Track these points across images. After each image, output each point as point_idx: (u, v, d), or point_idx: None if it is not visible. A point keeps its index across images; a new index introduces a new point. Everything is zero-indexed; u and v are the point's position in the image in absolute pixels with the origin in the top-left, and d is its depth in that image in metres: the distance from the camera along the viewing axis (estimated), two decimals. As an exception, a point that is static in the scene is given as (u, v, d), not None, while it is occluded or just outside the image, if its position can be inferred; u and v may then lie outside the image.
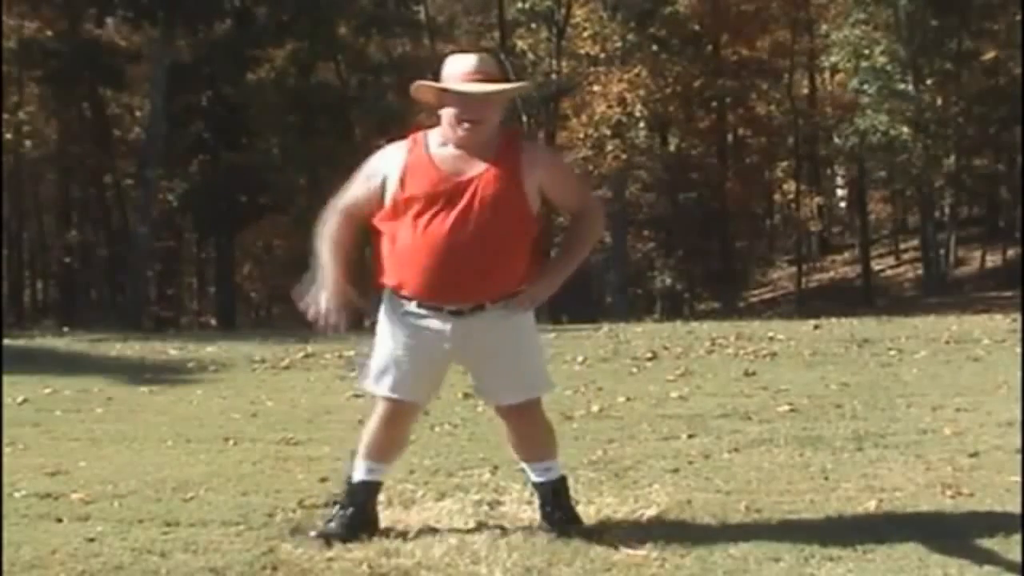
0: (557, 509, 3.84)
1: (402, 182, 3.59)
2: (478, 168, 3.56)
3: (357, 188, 3.72)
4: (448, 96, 3.57)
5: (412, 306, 3.64)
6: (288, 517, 4.01)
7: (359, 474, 3.84)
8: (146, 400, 8.11)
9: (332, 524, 3.78)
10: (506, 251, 3.59)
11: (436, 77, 3.66)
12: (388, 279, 3.67)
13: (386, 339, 3.72)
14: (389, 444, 3.84)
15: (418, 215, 3.55)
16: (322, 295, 3.66)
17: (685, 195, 34.17)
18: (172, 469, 4.99)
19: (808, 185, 37.86)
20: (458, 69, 3.58)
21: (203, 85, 32.97)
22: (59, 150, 34.06)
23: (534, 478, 3.91)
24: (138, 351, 12.69)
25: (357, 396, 7.90)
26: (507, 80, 3.69)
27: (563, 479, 3.92)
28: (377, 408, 3.80)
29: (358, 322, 3.90)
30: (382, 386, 3.74)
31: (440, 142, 3.63)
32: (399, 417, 3.79)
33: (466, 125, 3.55)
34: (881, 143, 29.70)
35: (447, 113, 3.59)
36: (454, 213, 3.52)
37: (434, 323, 3.63)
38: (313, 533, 3.75)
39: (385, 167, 3.66)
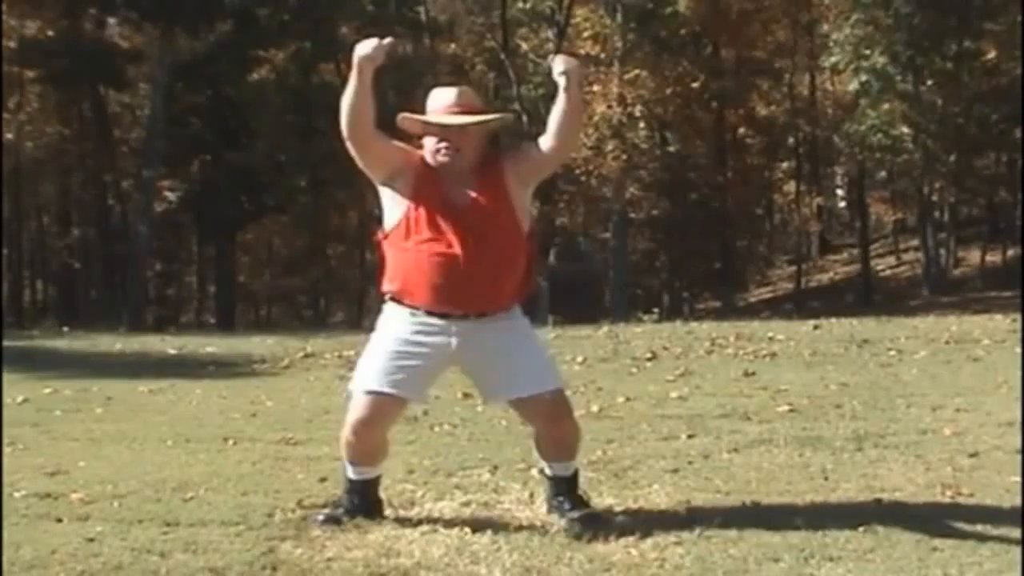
0: (567, 500, 3.92)
1: (413, 195, 3.78)
2: (472, 194, 3.78)
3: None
4: (430, 127, 3.81)
5: (417, 312, 3.80)
6: (288, 517, 4.01)
7: (352, 475, 3.97)
8: (146, 400, 8.11)
9: (338, 510, 3.92)
10: (505, 266, 3.81)
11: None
12: (393, 288, 3.84)
13: (383, 340, 3.86)
14: (372, 448, 3.93)
15: (425, 237, 3.75)
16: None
17: (685, 195, 34.16)
18: (172, 469, 4.99)
19: (808, 185, 37.86)
20: (440, 102, 3.83)
21: (204, 85, 32.97)
22: (59, 150, 34.05)
23: (551, 473, 4.00)
24: (138, 351, 12.70)
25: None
26: (486, 112, 3.90)
27: (576, 472, 4.02)
28: (356, 410, 3.84)
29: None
30: (370, 383, 3.80)
31: (433, 169, 3.81)
32: (378, 416, 3.84)
33: (444, 153, 3.76)
34: (881, 143, 29.68)
35: (429, 142, 3.81)
36: (457, 235, 3.73)
37: (439, 323, 3.79)
38: (320, 517, 3.89)
39: (404, 154, 3.83)
